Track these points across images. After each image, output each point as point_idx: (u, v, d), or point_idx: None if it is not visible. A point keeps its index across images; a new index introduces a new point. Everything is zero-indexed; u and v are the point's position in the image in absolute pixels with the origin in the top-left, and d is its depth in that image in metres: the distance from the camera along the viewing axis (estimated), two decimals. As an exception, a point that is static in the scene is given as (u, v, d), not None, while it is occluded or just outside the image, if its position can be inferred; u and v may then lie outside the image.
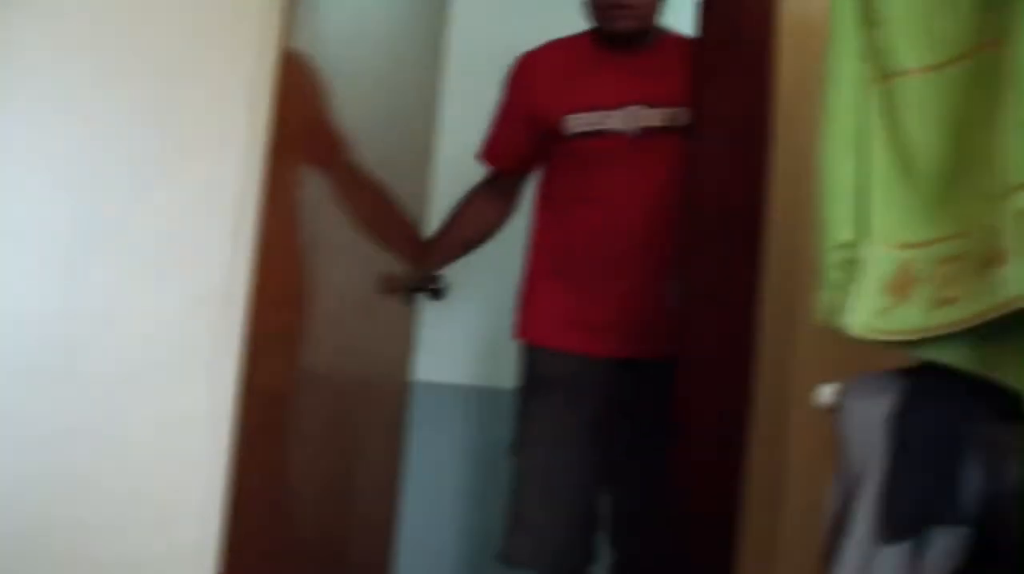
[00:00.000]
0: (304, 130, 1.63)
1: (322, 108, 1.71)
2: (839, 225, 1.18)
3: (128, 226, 1.29)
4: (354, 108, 1.83)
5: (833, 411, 1.18)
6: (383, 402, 2.20)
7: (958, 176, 1.12)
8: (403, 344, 2.26)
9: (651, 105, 2.03)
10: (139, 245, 1.30)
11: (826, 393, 1.19)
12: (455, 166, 2.30)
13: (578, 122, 2.05)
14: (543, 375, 2.11)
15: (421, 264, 2.18)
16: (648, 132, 2.03)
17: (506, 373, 2.24)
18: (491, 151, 2.21)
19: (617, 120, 2.04)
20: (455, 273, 2.27)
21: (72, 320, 1.26)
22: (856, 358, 1.23)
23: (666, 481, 1.78)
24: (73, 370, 1.26)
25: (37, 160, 1.25)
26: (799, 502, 1.57)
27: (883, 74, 1.19)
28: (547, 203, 2.15)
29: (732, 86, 1.87)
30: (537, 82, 2.13)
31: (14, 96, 1.24)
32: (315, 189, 1.70)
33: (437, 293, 2.18)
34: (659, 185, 2.01)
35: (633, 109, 2.03)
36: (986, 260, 1.02)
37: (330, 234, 1.78)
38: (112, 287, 1.28)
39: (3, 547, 1.22)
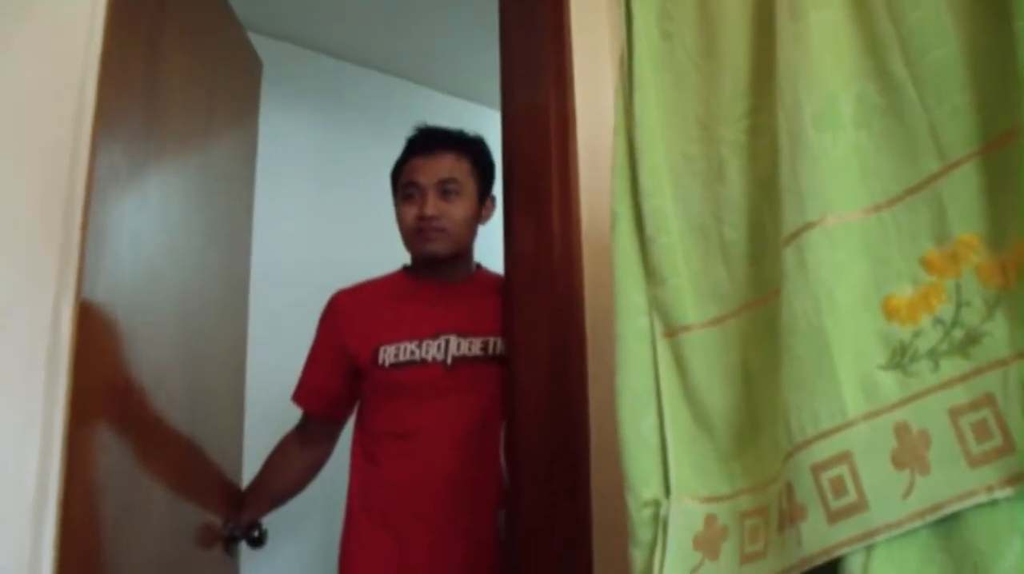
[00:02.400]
0: (105, 387, 1.56)
1: (126, 363, 1.64)
2: (643, 481, 1.19)
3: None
4: (161, 355, 1.77)
5: None
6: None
7: (751, 429, 1.15)
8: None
9: (465, 334, 2.03)
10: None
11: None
12: (267, 408, 2.24)
13: (392, 352, 2.02)
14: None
15: (238, 514, 2.08)
16: (463, 361, 2.02)
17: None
18: (305, 393, 2.16)
19: (431, 349, 2.02)
20: (276, 518, 2.17)
21: None
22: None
23: None
24: None
25: None
26: None
27: (668, 329, 1.23)
28: (362, 442, 2.09)
29: (542, 308, 1.91)
30: (351, 316, 2.12)
31: None
32: (121, 452, 1.61)
33: (257, 541, 2.08)
34: (476, 416, 1.99)
35: (447, 337, 2.03)
36: (787, 514, 1.04)
37: (141, 497, 1.68)
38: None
39: None
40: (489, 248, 2.17)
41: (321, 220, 3.11)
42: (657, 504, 1.17)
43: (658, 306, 1.24)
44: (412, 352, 2.02)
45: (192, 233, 1.96)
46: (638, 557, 1.17)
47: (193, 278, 1.96)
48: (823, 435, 1.00)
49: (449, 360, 2.02)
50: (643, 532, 1.17)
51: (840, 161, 1.03)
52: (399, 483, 2.00)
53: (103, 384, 1.56)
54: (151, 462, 1.74)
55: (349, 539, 2.05)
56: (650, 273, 1.25)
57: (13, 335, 1.39)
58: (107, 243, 1.56)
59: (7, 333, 1.39)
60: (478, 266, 2.19)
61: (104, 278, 1.54)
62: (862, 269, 1.02)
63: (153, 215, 1.78)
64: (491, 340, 2.02)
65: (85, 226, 1.53)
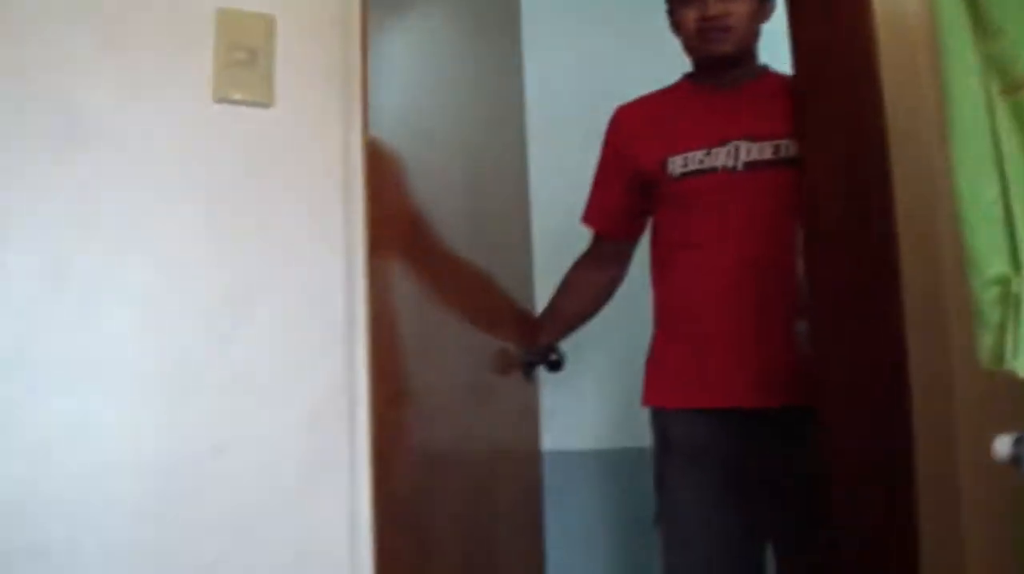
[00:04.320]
0: (398, 222, 1.59)
1: (412, 196, 1.67)
2: (988, 258, 1.07)
3: (229, 350, 1.26)
4: (443, 189, 1.79)
5: (1015, 463, 1.05)
6: (515, 480, 2.12)
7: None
8: (529, 419, 2.19)
9: (755, 138, 1.93)
10: (243, 367, 1.27)
11: (1005, 444, 1.06)
12: (555, 235, 2.23)
13: (679, 162, 1.97)
14: (676, 439, 2.01)
15: (534, 341, 2.11)
16: (754, 166, 1.93)
17: (642, 433, 2.15)
18: (594, 213, 2.14)
19: (720, 156, 1.94)
20: (574, 340, 2.19)
21: (176, 462, 1.22)
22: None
23: (828, 538, 1.66)
24: (189, 513, 1.22)
25: (120, 296, 1.23)
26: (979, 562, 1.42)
27: (1008, 86, 1.08)
28: (656, 256, 2.07)
29: (837, 110, 1.77)
30: (635, 129, 2.06)
31: (97, 233, 1.22)
32: (416, 281, 1.66)
33: (555, 365, 2.11)
34: (769, 223, 1.91)
35: (736, 143, 1.94)
36: None
37: (437, 324, 1.73)
38: (218, 418, 1.25)
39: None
40: (771, 54, 2.04)
41: (594, 38, 2.98)
42: (1006, 281, 1.05)
43: (994, 62, 1.09)
44: (701, 160, 1.96)
45: (466, 63, 1.95)
46: (987, 340, 1.06)
47: (469, 106, 1.95)
48: None
49: (739, 166, 1.93)
50: (991, 313, 1.06)
51: None
52: (694, 294, 1.97)
53: (394, 214, 1.59)
54: (444, 290, 1.77)
55: (651, 356, 2.05)
56: (982, 26, 1.09)
57: (310, 169, 1.42)
58: (385, 79, 1.57)
59: (305, 167, 1.43)
60: (764, 67, 2.06)
61: (386, 114, 1.55)
62: None
63: (427, 51, 1.77)
64: (782, 143, 1.91)
65: (365, 63, 1.53)
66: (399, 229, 1.60)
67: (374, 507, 1.29)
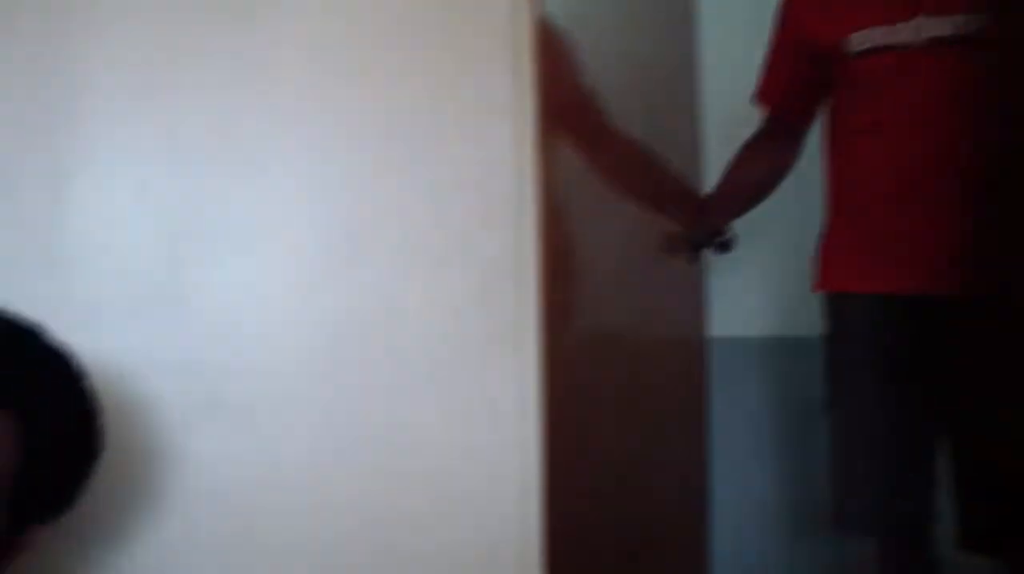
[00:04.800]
0: (566, 98, 1.55)
1: (580, 72, 1.62)
2: None
3: (401, 214, 1.25)
4: (610, 67, 1.73)
5: None
6: (680, 367, 2.10)
7: None
8: (694, 301, 2.15)
9: (939, 14, 1.78)
10: (415, 233, 1.26)
11: None
12: (724, 114, 2.14)
13: (862, 39, 1.83)
14: (850, 323, 1.92)
15: (702, 222, 2.04)
16: (938, 44, 1.78)
17: (810, 321, 2.07)
18: (767, 92, 2.03)
19: (904, 33, 1.80)
20: (745, 222, 2.11)
21: (347, 326, 1.24)
22: None
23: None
24: (360, 374, 1.25)
25: (288, 160, 1.24)
26: None
27: None
28: (834, 137, 1.95)
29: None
30: (812, 4, 1.93)
31: (264, 98, 1.23)
32: (583, 157, 1.62)
33: (725, 246, 2.04)
34: (952, 101, 1.77)
35: (920, 20, 1.79)
36: None
37: (603, 202, 1.70)
38: (390, 281, 1.26)
39: (329, 540, 1.23)
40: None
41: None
42: None
43: None
44: (883, 37, 1.82)
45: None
46: None
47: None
48: None
49: (923, 43, 1.79)
50: None
51: None
52: (874, 180, 1.86)
53: (563, 89, 1.55)
54: (610, 168, 1.74)
55: (825, 239, 1.96)
56: None
57: (478, 41, 1.38)
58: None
59: (472, 39, 1.38)
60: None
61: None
62: None
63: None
64: (966, 18, 1.76)
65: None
66: (567, 105, 1.56)
67: (540, 381, 1.28)
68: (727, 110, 2.13)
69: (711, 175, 2.11)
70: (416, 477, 1.25)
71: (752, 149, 2.06)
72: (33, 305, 0.91)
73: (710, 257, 2.13)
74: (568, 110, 1.58)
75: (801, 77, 1.97)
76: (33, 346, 0.90)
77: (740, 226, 2.12)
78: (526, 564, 1.25)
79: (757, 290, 2.58)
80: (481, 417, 1.26)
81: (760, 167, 2.06)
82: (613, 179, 1.75)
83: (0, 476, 0.83)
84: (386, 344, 1.24)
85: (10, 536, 0.87)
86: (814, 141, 2.02)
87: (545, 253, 1.31)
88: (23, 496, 0.86)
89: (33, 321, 0.90)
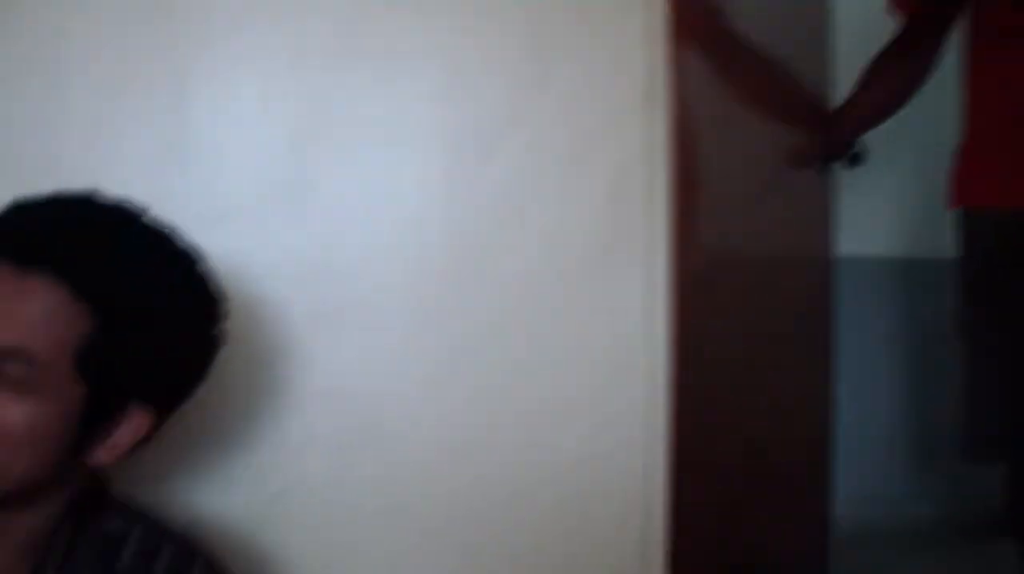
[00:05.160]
0: (697, 3, 1.50)
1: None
2: None
3: (528, 112, 1.23)
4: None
5: None
6: (805, 282, 2.05)
7: None
8: (822, 218, 2.08)
9: None
10: (545, 135, 1.24)
11: None
12: (854, 25, 2.05)
13: None
14: (988, 242, 1.85)
15: (832, 135, 1.97)
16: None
17: (942, 242, 1.99)
18: None
19: None
20: (877, 135, 2.03)
21: (473, 224, 1.22)
22: None
23: None
24: (484, 278, 1.23)
25: (422, 62, 1.22)
26: None
27: None
28: (978, 41, 1.84)
29: None
30: None
31: (401, 2, 1.22)
32: (713, 64, 1.57)
33: (855, 159, 1.97)
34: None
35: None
36: None
37: (731, 109, 1.65)
38: (518, 184, 1.25)
39: (445, 446, 1.23)
40: None
41: None
42: None
43: None
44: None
45: None
46: None
47: None
48: None
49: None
50: None
51: None
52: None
53: (690, 4, 1.50)
54: (739, 75, 1.69)
55: (964, 154, 1.87)
56: None
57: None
58: None
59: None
60: None
61: None
62: None
63: None
64: None
65: None
66: (698, 11, 1.51)
67: (669, 291, 1.26)
68: (858, 21, 2.04)
69: (842, 88, 2.03)
70: (539, 382, 1.25)
71: (886, 57, 1.97)
72: (161, 205, 0.92)
73: (840, 172, 2.06)
74: (698, 16, 1.53)
75: None
76: (159, 242, 0.90)
77: (871, 140, 2.04)
78: (651, 475, 1.25)
79: (888, 207, 2.50)
80: (605, 323, 1.26)
81: (894, 77, 1.98)
82: (742, 89, 1.70)
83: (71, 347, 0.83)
84: (512, 248, 1.24)
85: (112, 411, 0.88)
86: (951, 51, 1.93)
87: (676, 159, 1.28)
88: (122, 376, 0.87)
89: (162, 221, 0.91)
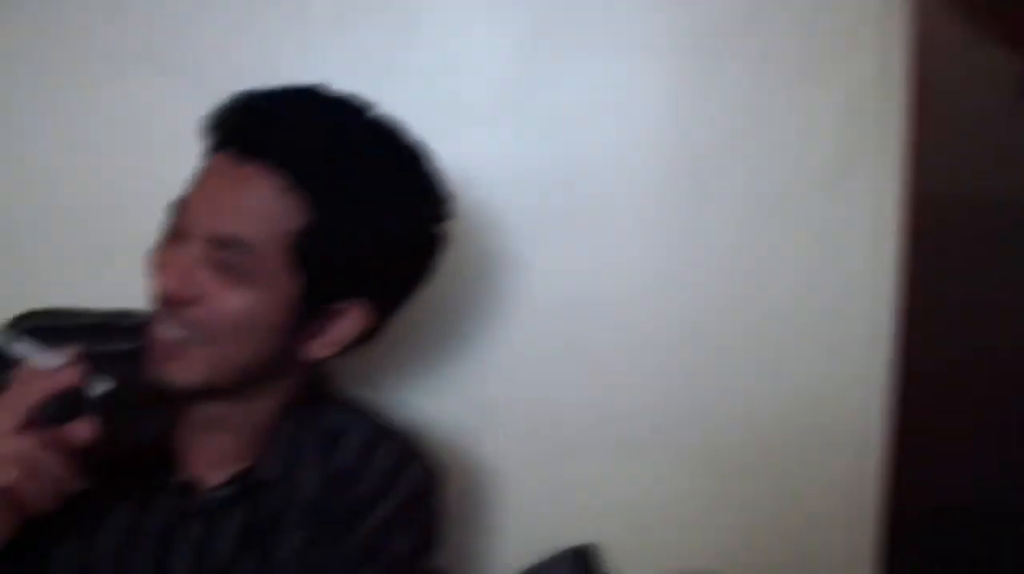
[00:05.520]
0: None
1: None
2: None
3: (763, 23, 1.17)
4: None
5: None
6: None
7: None
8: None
9: None
10: (778, 45, 1.18)
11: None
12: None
13: None
14: None
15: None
16: None
17: None
18: None
19: None
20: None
21: (703, 140, 1.19)
22: None
23: None
24: (716, 192, 1.19)
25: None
26: None
27: None
28: None
29: None
30: None
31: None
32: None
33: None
34: None
35: None
36: None
37: (965, 36, 1.53)
38: (747, 95, 1.19)
39: (661, 359, 1.21)
40: None
41: None
42: None
43: None
44: None
45: None
46: None
47: None
48: None
49: None
50: None
51: None
52: None
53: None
54: (972, 6, 1.56)
55: None
56: None
57: None
58: None
59: None
60: None
61: None
62: None
63: None
64: None
65: None
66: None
67: (902, 203, 1.20)
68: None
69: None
70: (762, 302, 1.21)
71: None
72: (392, 109, 0.91)
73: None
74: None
75: None
76: (383, 136, 0.88)
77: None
78: (869, 399, 1.21)
79: None
80: (836, 240, 1.20)
81: None
82: (975, 14, 1.58)
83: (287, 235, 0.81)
84: (741, 161, 1.20)
85: (330, 304, 0.86)
86: None
87: (913, 79, 1.21)
88: (339, 268, 0.85)
89: (388, 116, 0.88)
